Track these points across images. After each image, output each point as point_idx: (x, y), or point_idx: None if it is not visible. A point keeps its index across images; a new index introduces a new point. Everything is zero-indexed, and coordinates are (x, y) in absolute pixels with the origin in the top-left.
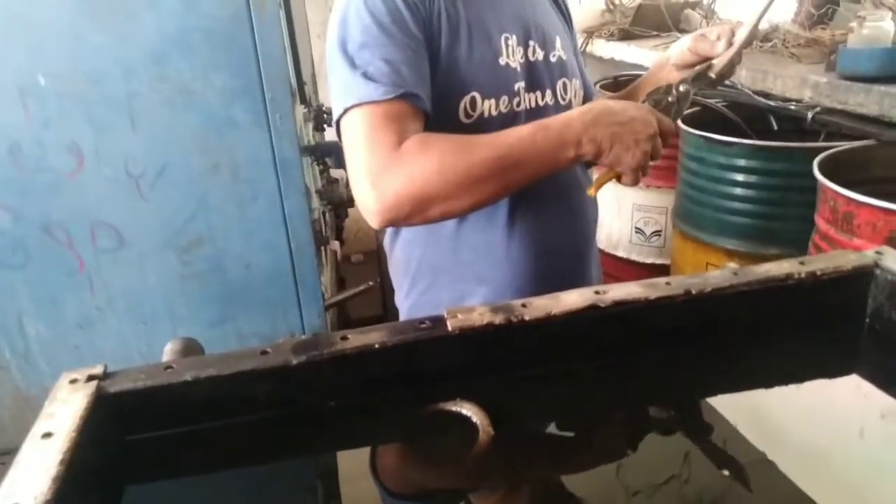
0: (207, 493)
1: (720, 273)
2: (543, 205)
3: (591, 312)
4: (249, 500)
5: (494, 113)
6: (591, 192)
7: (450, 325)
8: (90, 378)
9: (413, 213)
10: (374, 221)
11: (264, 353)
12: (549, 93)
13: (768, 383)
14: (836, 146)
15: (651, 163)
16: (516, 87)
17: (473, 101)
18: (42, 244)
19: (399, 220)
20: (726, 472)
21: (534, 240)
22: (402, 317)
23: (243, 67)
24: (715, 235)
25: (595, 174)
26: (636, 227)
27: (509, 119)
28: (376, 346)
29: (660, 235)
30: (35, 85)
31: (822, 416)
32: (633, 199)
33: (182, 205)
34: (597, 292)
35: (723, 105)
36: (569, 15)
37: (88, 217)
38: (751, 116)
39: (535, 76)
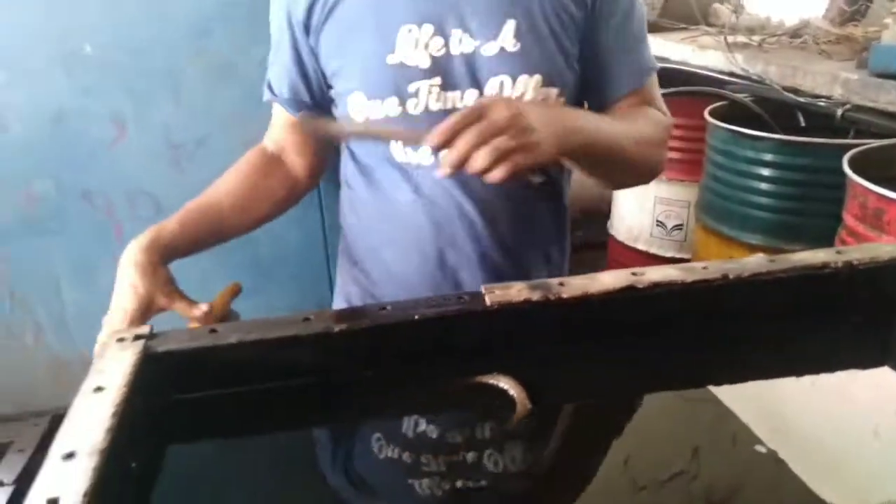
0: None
1: (756, 259)
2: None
3: (628, 293)
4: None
5: (381, 116)
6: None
7: (488, 300)
8: (137, 337)
9: None
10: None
11: (306, 319)
12: (473, 92)
13: (799, 371)
14: (866, 143)
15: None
16: (413, 87)
17: (359, 102)
18: (81, 211)
19: None
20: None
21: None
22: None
23: None
24: (739, 230)
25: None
26: (657, 220)
27: (404, 124)
28: (415, 317)
29: (681, 229)
30: (80, 53)
31: (836, 414)
32: (654, 192)
33: (219, 176)
34: (634, 273)
35: (750, 100)
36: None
37: (128, 185)
38: (778, 112)
39: (452, 73)
